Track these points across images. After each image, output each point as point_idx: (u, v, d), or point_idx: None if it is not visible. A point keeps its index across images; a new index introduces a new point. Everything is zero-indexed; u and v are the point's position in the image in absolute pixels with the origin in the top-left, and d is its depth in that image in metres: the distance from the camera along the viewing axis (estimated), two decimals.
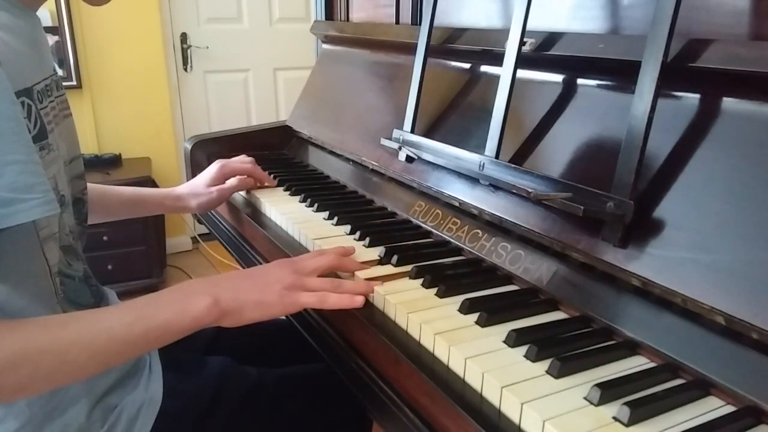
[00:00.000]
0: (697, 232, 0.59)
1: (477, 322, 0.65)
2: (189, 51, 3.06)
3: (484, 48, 0.95)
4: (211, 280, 0.70)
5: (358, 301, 0.71)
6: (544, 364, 0.57)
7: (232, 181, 1.10)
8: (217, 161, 1.12)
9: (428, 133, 0.99)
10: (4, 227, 0.57)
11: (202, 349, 0.98)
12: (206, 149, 1.37)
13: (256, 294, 0.68)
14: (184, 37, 3.04)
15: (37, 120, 0.66)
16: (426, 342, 0.64)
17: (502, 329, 0.63)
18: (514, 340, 0.61)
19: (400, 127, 1.01)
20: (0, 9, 0.66)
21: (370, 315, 0.70)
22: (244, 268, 1.05)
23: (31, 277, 0.67)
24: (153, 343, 0.64)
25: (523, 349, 0.60)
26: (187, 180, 1.17)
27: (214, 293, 0.66)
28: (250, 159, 1.15)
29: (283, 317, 0.91)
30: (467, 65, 1.01)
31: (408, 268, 0.77)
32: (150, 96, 2.94)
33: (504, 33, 0.83)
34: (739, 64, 0.59)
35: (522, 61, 0.80)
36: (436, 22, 0.99)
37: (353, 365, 0.71)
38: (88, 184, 0.94)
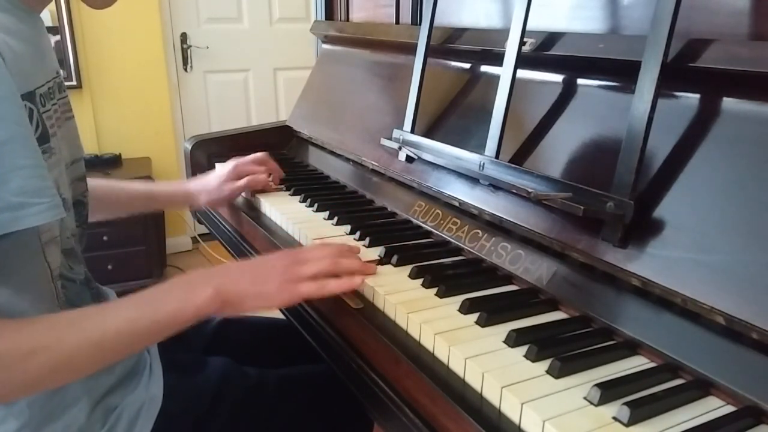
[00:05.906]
0: (696, 232, 0.59)
1: (477, 322, 0.65)
2: (189, 51, 3.05)
3: (484, 48, 0.95)
4: (213, 272, 0.72)
5: (356, 281, 0.72)
6: (544, 364, 0.57)
7: (243, 181, 1.11)
8: (231, 160, 1.13)
9: (428, 133, 0.99)
10: (13, 231, 0.57)
11: (202, 349, 0.98)
12: (206, 149, 1.37)
13: (257, 286, 0.70)
14: (184, 37, 3.04)
15: (39, 124, 0.66)
16: (426, 342, 0.64)
17: (502, 329, 0.63)
18: (514, 340, 0.61)
19: (400, 127, 1.01)
20: (4, 12, 0.66)
21: (370, 315, 0.70)
22: None
23: (33, 281, 0.67)
24: (159, 334, 0.66)
25: (523, 349, 0.60)
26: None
27: (215, 284, 0.68)
28: (265, 157, 1.15)
29: (283, 317, 0.92)
30: (467, 65, 1.01)
31: (408, 268, 0.78)
32: (150, 96, 2.94)
33: (504, 33, 0.83)
34: (739, 64, 0.59)
35: (522, 61, 0.80)
36: (436, 22, 0.99)
37: (353, 365, 0.71)
38: (96, 180, 0.94)
